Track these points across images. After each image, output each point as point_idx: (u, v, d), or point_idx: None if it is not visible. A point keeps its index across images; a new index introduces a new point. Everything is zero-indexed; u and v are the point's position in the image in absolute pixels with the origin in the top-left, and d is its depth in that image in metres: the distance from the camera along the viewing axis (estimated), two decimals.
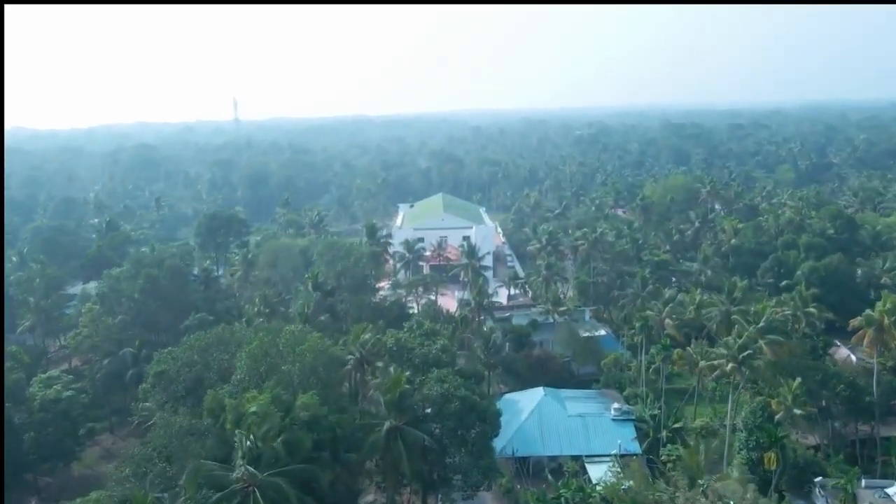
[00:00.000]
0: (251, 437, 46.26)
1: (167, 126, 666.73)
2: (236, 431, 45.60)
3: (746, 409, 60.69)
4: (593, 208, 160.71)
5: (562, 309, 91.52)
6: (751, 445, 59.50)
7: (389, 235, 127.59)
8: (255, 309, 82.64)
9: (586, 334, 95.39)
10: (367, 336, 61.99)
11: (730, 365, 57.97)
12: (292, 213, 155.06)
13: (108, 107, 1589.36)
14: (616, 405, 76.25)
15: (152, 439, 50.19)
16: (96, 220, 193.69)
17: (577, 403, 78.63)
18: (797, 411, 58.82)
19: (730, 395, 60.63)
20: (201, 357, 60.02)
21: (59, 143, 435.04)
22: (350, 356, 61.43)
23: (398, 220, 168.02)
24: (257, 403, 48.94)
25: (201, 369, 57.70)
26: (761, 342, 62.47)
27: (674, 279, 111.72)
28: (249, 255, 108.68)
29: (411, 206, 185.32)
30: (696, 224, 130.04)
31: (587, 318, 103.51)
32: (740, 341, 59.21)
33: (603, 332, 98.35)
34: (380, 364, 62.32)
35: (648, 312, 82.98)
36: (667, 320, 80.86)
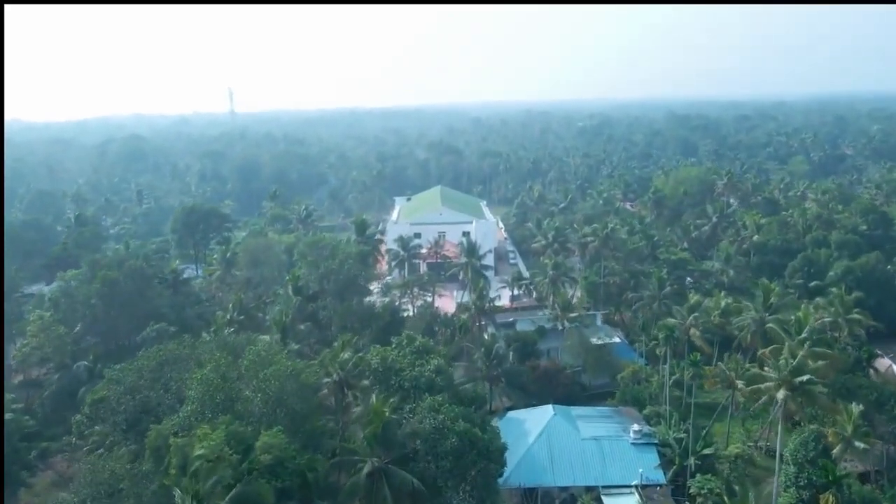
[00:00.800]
0: (196, 491, 37.08)
1: (164, 118, 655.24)
2: (176, 489, 36.36)
3: (796, 439, 51.36)
4: (601, 202, 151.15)
5: (572, 315, 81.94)
6: (801, 483, 50.33)
7: (381, 232, 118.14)
8: (228, 316, 73.14)
9: (598, 342, 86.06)
10: (346, 355, 52.45)
11: (781, 392, 48.42)
12: (277, 208, 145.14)
13: (106, 99, 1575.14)
14: (636, 427, 66.86)
15: (77, 489, 40.87)
16: (77, 214, 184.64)
17: (591, 424, 69.23)
18: (859, 444, 49.41)
19: (779, 426, 51.07)
20: (150, 380, 50.68)
21: (52, 134, 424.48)
22: (327, 378, 51.95)
23: (394, 215, 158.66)
24: (207, 445, 39.68)
25: (150, 395, 48.30)
26: (816, 362, 52.57)
27: (689, 280, 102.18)
28: (228, 254, 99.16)
29: (408, 200, 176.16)
30: (714, 219, 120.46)
31: (598, 322, 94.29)
32: (794, 362, 49.51)
33: (617, 340, 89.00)
34: (365, 382, 52.99)
35: (671, 320, 73.50)
36: (692, 330, 71.38)
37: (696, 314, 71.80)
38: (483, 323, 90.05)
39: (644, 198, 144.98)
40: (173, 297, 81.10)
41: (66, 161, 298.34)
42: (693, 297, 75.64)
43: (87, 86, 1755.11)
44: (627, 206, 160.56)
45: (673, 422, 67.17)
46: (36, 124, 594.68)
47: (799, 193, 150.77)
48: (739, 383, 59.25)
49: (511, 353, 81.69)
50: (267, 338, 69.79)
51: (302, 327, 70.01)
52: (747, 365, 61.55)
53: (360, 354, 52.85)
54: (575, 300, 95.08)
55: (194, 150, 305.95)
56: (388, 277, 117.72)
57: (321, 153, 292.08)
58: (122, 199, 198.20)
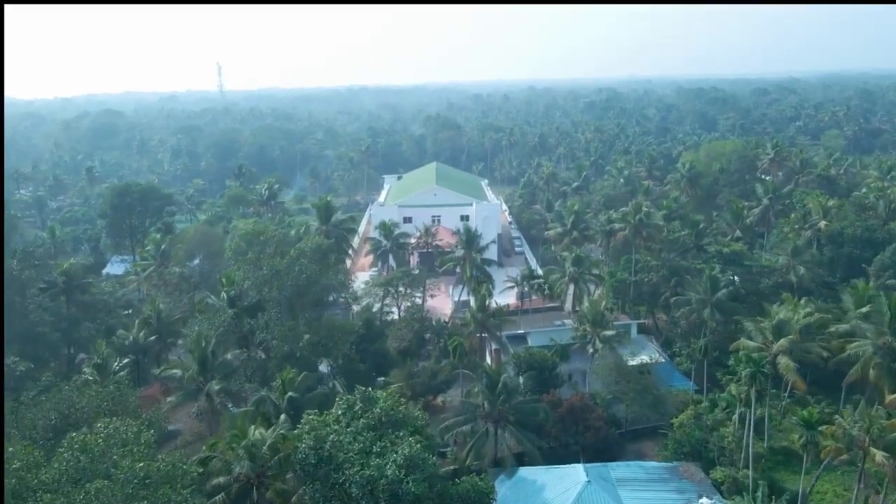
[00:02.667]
0: None
1: (154, 96, 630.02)
2: None
3: None
4: (622, 180, 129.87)
5: (608, 333, 60.85)
6: None
7: (352, 220, 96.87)
8: (130, 337, 52.17)
9: (636, 362, 65.42)
10: (259, 433, 31.41)
11: None
12: (240, 187, 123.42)
13: (98, 78, 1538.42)
14: (705, 500, 46.41)
15: None
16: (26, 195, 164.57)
17: (640, 494, 48.46)
18: None
19: None
20: None
21: (30, 110, 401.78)
22: (224, 477, 30.91)
23: (382, 196, 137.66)
24: None
25: None
26: None
27: (735, 278, 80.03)
28: (164, 246, 78.19)
29: (399, 178, 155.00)
30: (765, 201, 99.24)
31: (634, 334, 73.66)
32: None
33: (662, 360, 68.37)
34: (290, 479, 32.21)
35: (749, 342, 52.59)
36: (782, 358, 50.45)
37: (790, 336, 50.63)
38: (484, 335, 69.48)
39: (676, 175, 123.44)
40: (66, 308, 60.23)
41: (34, 137, 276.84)
42: (777, 311, 54.50)
43: (80, 64, 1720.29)
44: (650, 185, 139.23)
45: (759, 494, 46.67)
46: (19, 101, 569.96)
47: (842, 171, 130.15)
48: (878, 454, 38.58)
49: (521, 380, 61.28)
50: (178, 371, 49.20)
51: (230, 356, 49.11)
52: (884, 423, 40.75)
53: (283, 432, 31.87)
54: (601, 302, 74.35)
55: (172, 125, 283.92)
56: (372, 271, 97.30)
57: (308, 129, 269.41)
58: (80, 178, 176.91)
